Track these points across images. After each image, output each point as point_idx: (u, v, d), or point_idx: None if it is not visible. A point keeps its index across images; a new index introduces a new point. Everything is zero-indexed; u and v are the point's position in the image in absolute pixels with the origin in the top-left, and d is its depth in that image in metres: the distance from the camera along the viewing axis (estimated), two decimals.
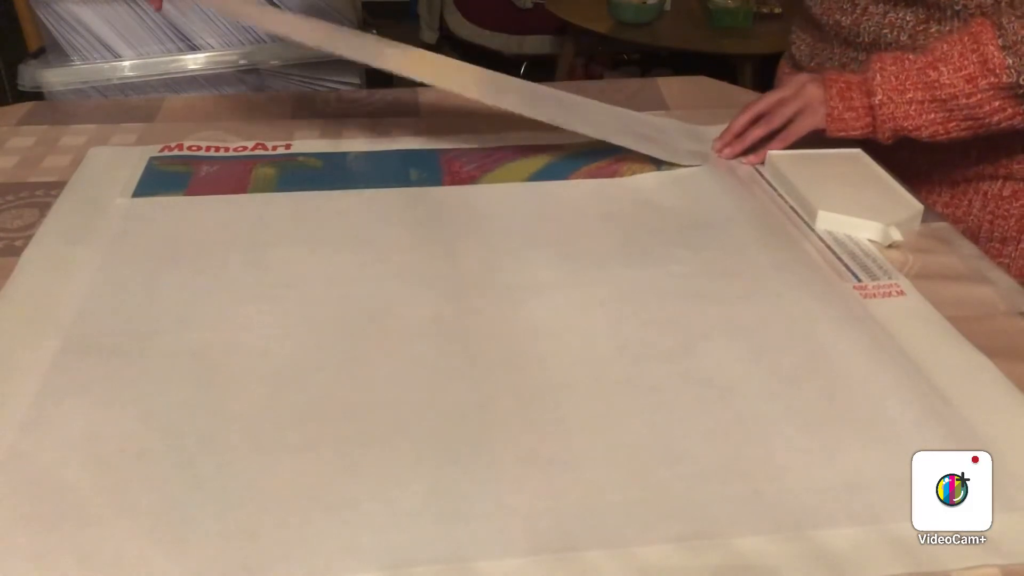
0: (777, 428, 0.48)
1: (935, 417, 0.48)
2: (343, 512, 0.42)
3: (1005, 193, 0.82)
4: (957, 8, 0.75)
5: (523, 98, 0.78)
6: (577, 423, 0.48)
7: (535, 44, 2.57)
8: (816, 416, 0.49)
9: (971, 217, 0.84)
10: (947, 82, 0.70)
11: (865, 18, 0.81)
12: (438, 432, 0.47)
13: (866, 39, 0.81)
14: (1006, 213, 0.82)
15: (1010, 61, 0.68)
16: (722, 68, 1.98)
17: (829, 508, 0.43)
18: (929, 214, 0.70)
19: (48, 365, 0.51)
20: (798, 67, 0.93)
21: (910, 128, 0.73)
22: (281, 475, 0.44)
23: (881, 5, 0.80)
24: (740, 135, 0.79)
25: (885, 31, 0.80)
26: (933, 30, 0.77)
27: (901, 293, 0.60)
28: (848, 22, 0.82)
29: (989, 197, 0.83)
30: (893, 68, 0.72)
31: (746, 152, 0.79)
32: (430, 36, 2.82)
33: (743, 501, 0.43)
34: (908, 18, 0.78)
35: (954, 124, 0.73)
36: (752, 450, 0.46)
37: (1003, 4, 0.73)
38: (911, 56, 0.72)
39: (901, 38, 0.79)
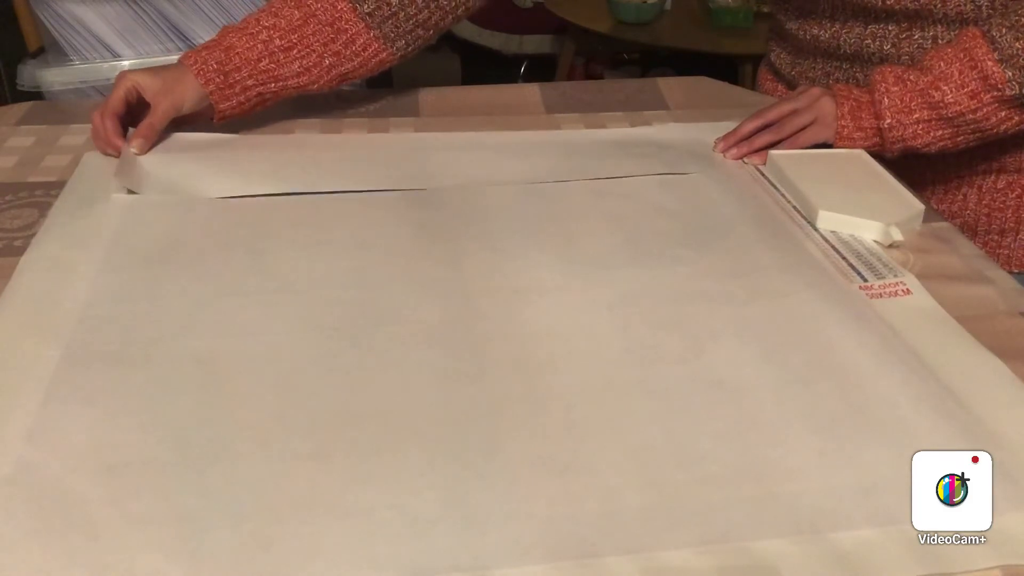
0: (790, 430, 0.48)
1: (948, 417, 0.48)
2: (358, 521, 0.42)
3: (1000, 185, 0.83)
4: (939, 16, 0.76)
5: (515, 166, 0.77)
6: (589, 427, 0.48)
7: (535, 43, 2.57)
8: (829, 417, 0.48)
9: (967, 211, 0.84)
10: (951, 100, 0.71)
11: (845, 31, 0.81)
12: (450, 437, 0.47)
13: (847, 50, 0.82)
14: (1002, 205, 0.83)
15: (1010, 74, 0.69)
16: (723, 68, 1.98)
17: (846, 509, 0.43)
18: (930, 213, 0.70)
19: (51, 374, 0.50)
20: (779, 76, 0.94)
21: (919, 146, 0.74)
22: (293, 484, 0.44)
23: (861, 17, 0.80)
24: (747, 138, 0.79)
25: (867, 42, 0.80)
26: (916, 36, 0.78)
27: (908, 292, 0.59)
28: (827, 36, 0.82)
29: (984, 191, 0.83)
30: (897, 90, 0.73)
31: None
32: None
33: (759, 504, 0.43)
34: (890, 28, 0.79)
35: (962, 138, 0.74)
36: (766, 452, 0.46)
37: (984, 9, 0.73)
38: (911, 76, 0.73)
39: (884, 47, 0.79)
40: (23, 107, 0.89)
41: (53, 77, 1.19)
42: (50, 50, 1.23)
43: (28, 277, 0.59)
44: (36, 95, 1.21)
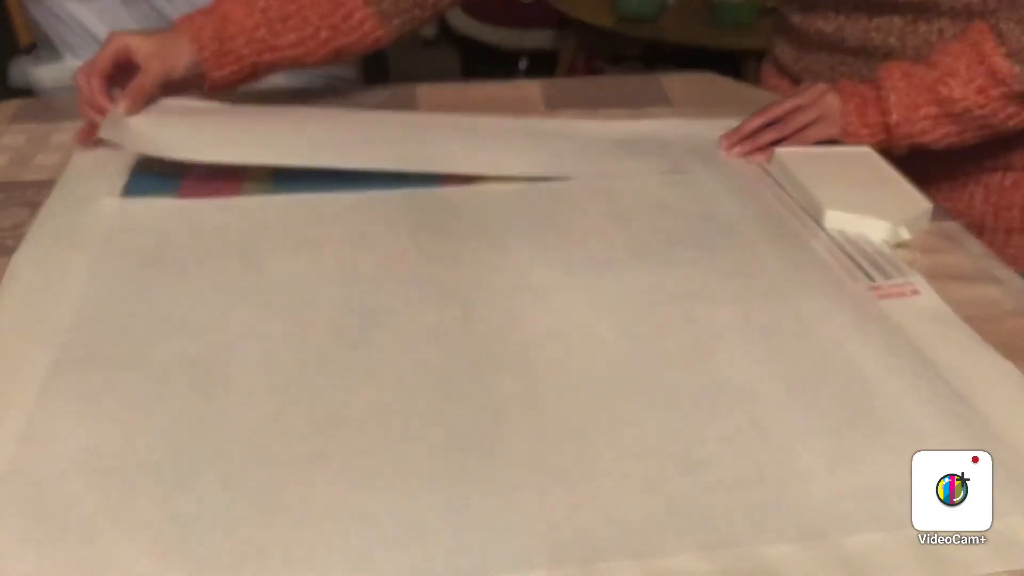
0: (796, 432, 0.47)
1: (956, 420, 0.48)
2: (357, 526, 0.41)
3: (1006, 183, 0.82)
4: (944, 8, 0.75)
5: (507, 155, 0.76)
6: (593, 430, 0.47)
7: (536, 39, 2.56)
8: (835, 420, 0.48)
9: (974, 210, 0.84)
10: (959, 96, 0.70)
11: (850, 24, 0.80)
12: (450, 441, 0.46)
13: (852, 44, 0.81)
14: (1009, 203, 0.82)
15: (1017, 69, 0.69)
16: (726, 64, 1.96)
17: (852, 513, 0.42)
18: (938, 212, 0.69)
19: (44, 376, 0.50)
20: (783, 71, 0.93)
21: (927, 142, 0.74)
22: (290, 488, 0.43)
23: (866, 10, 0.79)
24: (751, 136, 0.78)
25: (872, 35, 0.79)
26: (921, 30, 0.77)
27: (916, 293, 0.59)
28: (831, 29, 0.82)
29: (991, 189, 0.83)
30: (903, 85, 0.72)
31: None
32: (428, 31, 2.81)
33: (766, 508, 0.42)
34: (895, 21, 0.78)
35: (969, 134, 0.73)
36: (772, 455, 0.45)
37: (990, 2, 0.73)
38: (918, 72, 0.72)
39: (889, 40, 0.79)
40: (14, 104, 0.89)
41: (45, 74, 1.19)
42: (42, 47, 1.22)
43: (19, 279, 0.58)
44: (27, 92, 1.21)
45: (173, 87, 0.76)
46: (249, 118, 0.79)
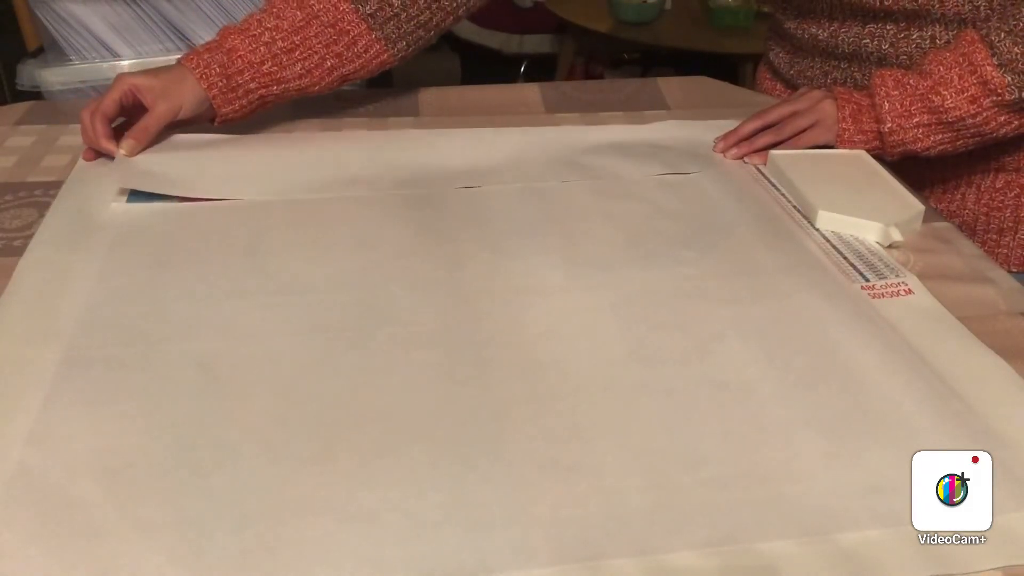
0: (795, 430, 0.48)
1: (952, 417, 0.48)
2: (362, 524, 0.41)
3: (998, 185, 0.83)
4: (936, 16, 0.76)
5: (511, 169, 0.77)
6: (594, 429, 0.47)
7: (535, 43, 2.57)
8: (833, 418, 0.48)
9: (966, 211, 0.84)
10: (951, 105, 0.71)
11: (843, 30, 0.81)
12: (454, 440, 0.46)
13: (846, 50, 0.82)
14: (1001, 204, 0.83)
15: (1009, 79, 0.69)
16: (723, 67, 1.98)
17: (850, 510, 0.43)
18: (930, 213, 0.70)
19: (51, 377, 0.50)
20: (778, 75, 0.94)
21: (920, 150, 0.74)
22: (297, 486, 0.43)
23: (859, 17, 0.80)
24: (748, 139, 0.79)
25: (865, 41, 0.80)
26: (914, 36, 0.78)
27: (909, 292, 0.59)
28: (825, 35, 0.82)
29: (982, 190, 0.83)
30: (897, 94, 0.73)
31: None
32: None
33: (766, 505, 0.43)
34: (888, 27, 0.79)
35: (962, 142, 0.74)
36: (772, 453, 0.46)
37: (982, 9, 0.73)
38: (911, 81, 0.73)
39: (883, 47, 0.79)
40: (22, 107, 0.89)
41: (52, 77, 1.19)
42: (49, 50, 1.23)
43: (27, 280, 0.59)
44: (35, 95, 1.21)
45: (181, 123, 0.77)
46: (255, 151, 0.79)
